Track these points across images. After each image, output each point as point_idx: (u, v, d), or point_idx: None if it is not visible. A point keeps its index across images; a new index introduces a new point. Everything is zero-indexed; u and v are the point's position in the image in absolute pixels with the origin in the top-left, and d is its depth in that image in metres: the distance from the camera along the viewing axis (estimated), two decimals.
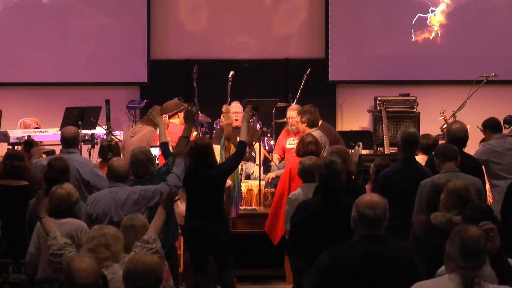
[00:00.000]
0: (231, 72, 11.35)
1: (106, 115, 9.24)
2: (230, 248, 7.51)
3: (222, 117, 10.08)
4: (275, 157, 10.32)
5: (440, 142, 11.03)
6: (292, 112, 9.95)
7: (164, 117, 9.52)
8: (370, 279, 4.45)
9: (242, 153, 7.67)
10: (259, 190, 9.60)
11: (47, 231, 5.85)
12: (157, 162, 7.60)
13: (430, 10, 13.26)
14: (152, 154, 7.15)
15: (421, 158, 7.75)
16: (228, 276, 7.54)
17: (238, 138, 10.06)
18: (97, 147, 11.26)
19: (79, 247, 5.70)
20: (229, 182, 8.22)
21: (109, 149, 8.54)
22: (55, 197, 6.13)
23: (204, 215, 7.30)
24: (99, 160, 8.75)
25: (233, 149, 8.27)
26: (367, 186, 7.55)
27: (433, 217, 5.50)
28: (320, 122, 9.83)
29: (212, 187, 7.38)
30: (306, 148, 7.82)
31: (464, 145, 7.32)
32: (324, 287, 4.54)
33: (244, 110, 10.31)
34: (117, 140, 9.86)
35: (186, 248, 8.00)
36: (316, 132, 8.92)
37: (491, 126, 8.29)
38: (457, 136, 7.25)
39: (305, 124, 9.23)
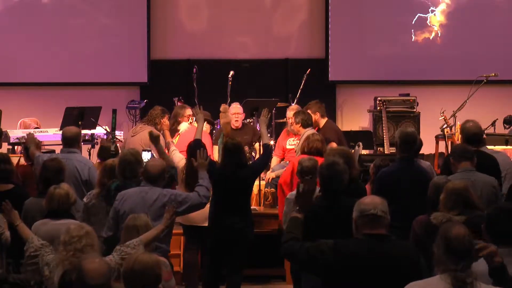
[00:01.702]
0: (231, 72, 11.34)
1: (112, 124, 9.17)
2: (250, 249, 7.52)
3: (220, 116, 10.08)
4: (274, 160, 10.24)
5: (440, 142, 11.14)
6: (292, 113, 9.94)
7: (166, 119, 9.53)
8: (374, 277, 4.45)
9: (269, 155, 7.77)
10: (259, 190, 9.58)
11: (25, 238, 5.77)
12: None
13: (430, 10, 13.27)
14: (141, 156, 7.08)
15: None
16: (236, 280, 7.52)
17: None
18: (97, 147, 11.29)
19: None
20: None
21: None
22: (55, 197, 6.08)
23: (233, 214, 7.31)
24: (98, 160, 8.70)
25: None
26: (367, 186, 7.54)
27: (433, 217, 5.49)
28: (325, 120, 9.84)
29: (243, 187, 7.44)
30: (312, 145, 7.83)
31: (481, 142, 7.26)
32: (328, 283, 4.55)
33: (243, 111, 10.36)
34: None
35: (205, 246, 7.80)
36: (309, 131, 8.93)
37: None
38: (474, 133, 7.16)
39: (299, 124, 9.24)
